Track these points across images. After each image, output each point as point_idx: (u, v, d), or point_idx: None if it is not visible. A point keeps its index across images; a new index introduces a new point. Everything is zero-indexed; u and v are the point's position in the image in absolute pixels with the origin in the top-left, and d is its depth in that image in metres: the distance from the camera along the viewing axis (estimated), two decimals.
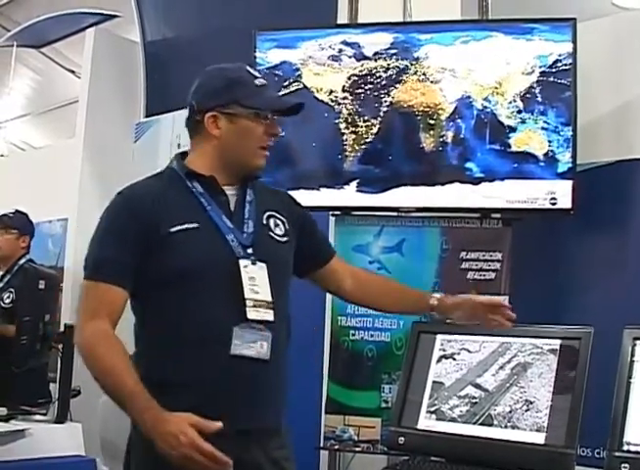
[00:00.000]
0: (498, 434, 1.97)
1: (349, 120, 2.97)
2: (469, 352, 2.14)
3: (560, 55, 2.78)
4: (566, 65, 2.77)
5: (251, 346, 1.69)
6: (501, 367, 2.07)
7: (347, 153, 2.97)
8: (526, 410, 1.97)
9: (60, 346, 2.94)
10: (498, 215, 2.92)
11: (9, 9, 7.04)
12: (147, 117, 4.91)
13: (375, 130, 2.95)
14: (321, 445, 2.99)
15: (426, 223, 2.97)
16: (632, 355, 1.92)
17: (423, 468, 2.01)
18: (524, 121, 2.81)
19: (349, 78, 2.99)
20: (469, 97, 2.87)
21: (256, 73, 1.87)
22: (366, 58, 2.99)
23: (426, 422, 2.10)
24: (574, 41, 2.77)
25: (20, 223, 3.94)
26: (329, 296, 2.89)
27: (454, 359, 2.15)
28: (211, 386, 1.68)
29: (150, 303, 1.75)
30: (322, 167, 3.01)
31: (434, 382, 2.14)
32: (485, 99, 2.85)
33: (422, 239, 2.96)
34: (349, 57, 3.01)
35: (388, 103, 2.95)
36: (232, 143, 1.79)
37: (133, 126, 4.93)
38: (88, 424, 3.03)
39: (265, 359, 1.71)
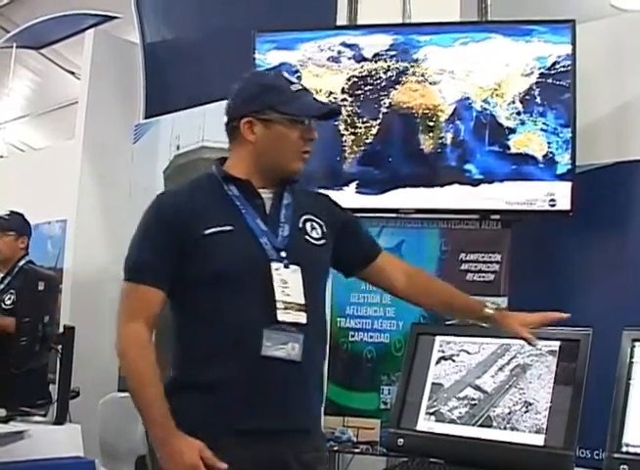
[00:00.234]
0: (497, 435, 1.97)
1: (349, 122, 2.97)
2: (468, 353, 2.14)
3: (559, 56, 2.78)
4: (565, 66, 2.78)
5: (282, 347, 1.71)
6: (500, 369, 2.07)
7: (347, 154, 2.98)
8: (526, 412, 1.97)
9: (59, 347, 2.95)
10: (497, 217, 2.92)
11: (8, 10, 7.05)
12: (146, 118, 4.91)
13: (374, 132, 2.96)
14: None
15: (425, 225, 2.97)
16: (631, 357, 1.92)
17: (422, 469, 2.01)
18: (523, 123, 2.81)
19: (349, 80, 2.99)
20: (468, 98, 2.88)
21: (293, 79, 1.89)
22: (365, 59, 2.99)
23: (425, 423, 2.10)
24: (574, 43, 2.77)
25: (17, 225, 3.93)
26: (328, 297, 2.88)
27: (453, 361, 2.15)
28: (242, 386, 1.70)
29: (185, 304, 1.79)
30: (321, 169, 3.01)
31: (433, 383, 2.15)
32: (485, 100, 2.86)
33: (421, 240, 2.96)
34: (349, 58, 3.02)
35: (387, 104, 2.95)
36: (268, 148, 1.81)
37: (132, 127, 4.93)
38: (87, 425, 3.03)
39: (296, 361, 1.73)
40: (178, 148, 4.64)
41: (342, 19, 3.54)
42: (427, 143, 2.91)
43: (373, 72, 2.98)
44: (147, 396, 1.68)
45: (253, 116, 1.80)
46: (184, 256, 1.74)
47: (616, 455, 1.82)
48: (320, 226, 1.88)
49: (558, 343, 2.02)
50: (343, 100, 2.98)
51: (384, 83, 2.96)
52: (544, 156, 2.80)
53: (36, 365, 3.07)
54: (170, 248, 1.74)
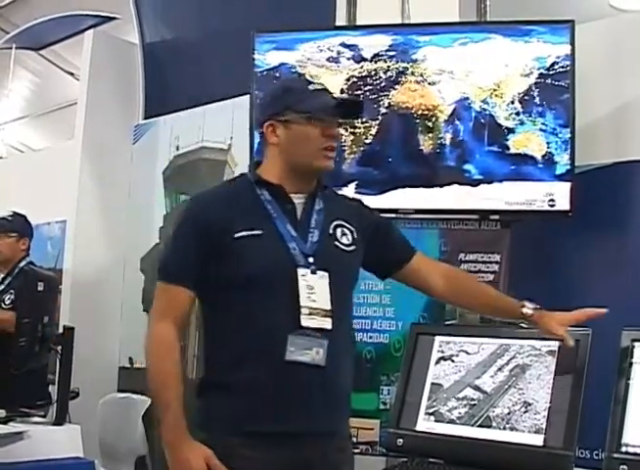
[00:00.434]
0: (497, 436, 1.97)
1: (348, 122, 2.97)
2: (467, 353, 2.14)
3: (558, 57, 2.78)
4: (564, 66, 2.78)
5: (307, 352, 1.74)
6: (500, 369, 2.07)
7: (346, 154, 2.97)
8: (525, 412, 1.97)
9: (59, 347, 2.95)
10: (497, 217, 2.92)
11: (8, 11, 7.04)
12: (146, 118, 4.91)
13: (373, 132, 2.96)
14: None
15: (424, 225, 2.97)
16: (630, 357, 1.92)
17: None
18: (522, 123, 2.82)
19: (348, 80, 2.99)
20: (467, 99, 2.88)
21: (313, 80, 1.95)
22: (364, 60, 2.99)
23: (424, 424, 2.10)
24: (572, 43, 2.77)
25: (19, 226, 3.94)
26: None
27: (453, 361, 2.15)
28: (268, 390, 1.74)
29: (217, 306, 1.82)
30: None
31: (432, 384, 2.15)
32: (484, 101, 2.86)
33: (420, 241, 2.94)
34: (348, 59, 3.02)
35: (386, 105, 2.95)
36: (290, 148, 1.84)
37: (132, 128, 4.93)
38: (87, 426, 3.04)
39: (321, 365, 1.75)
40: (178, 148, 4.64)
41: (341, 19, 3.54)
42: (426, 143, 2.92)
43: (372, 73, 2.98)
44: (166, 397, 1.73)
45: (274, 118, 1.84)
46: (215, 258, 1.77)
47: (615, 455, 1.82)
48: (351, 232, 1.91)
49: (557, 343, 2.01)
50: None
51: (383, 84, 2.96)
52: (543, 156, 2.80)
53: (36, 366, 3.07)
54: (201, 250, 1.78)
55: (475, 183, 2.86)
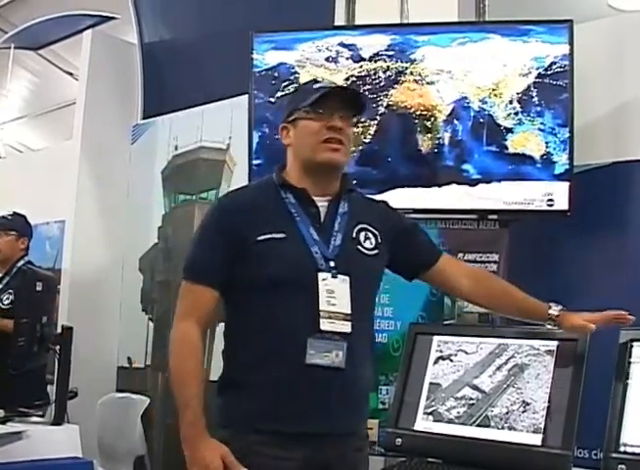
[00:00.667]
0: (495, 435, 1.97)
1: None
2: (466, 353, 2.15)
3: (556, 57, 2.78)
4: (562, 66, 2.78)
5: (326, 355, 1.76)
6: (498, 368, 2.07)
7: None
8: (523, 412, 1.97)
9: (57, 347, 2.95)
10: (495, 217, 2.92)
11: (6, 11, 7.04)
12: (144, 118, 4.91)
13: (372, 132, 2.96)
14: None
15: (423, 225, 2.96)
16: (629, 357, 1.92)
17: (420, 469, 2.01)
18: (520, 123, 2.81)
19: (347, 80, 2.99)
20: (466, 98, 2.88)
21: (322, 80, 1.99)
22: (363, 59, 2.99)
23: (423, 423, 2.10)
24: (571, 43, 2.77)
25: (18, 225, 3.95)
26: None
27: (451, 361, 2.15)
28: (287, 390, 1.75)
29: (240, 307, 1.84)
30: None
31: (430, 383, 2.15)
32: (482, 101, 2.86)
33: None
34: (347, 58, 3.02)
35: (385, 104, 2.95)
36: (298, 144, 1.88)
37: (130, 128, 4.93)
38: (85, 426, 3.03)
39: (341, 368, 1.77)
40: (176, 148, 4.64)
41: (339, 19, 3.54)
42: (425, 143, 2.92)
43: (371, 73, 2.98)
44: (186, 394, 1.74)
45: (286, 121, 1.90)
46: (239, 259, 1.79)
47: (613, 455, 1.82)
48: (375, 236, 1.92)
49: (556, 342, 2.02)
50: None
51: (382, 83, 2.96)
52: (542, 156, 2.80)
53: (34, 366, 3.07)
54: (225, 250, 1.80)
55: (473, 183, 2.86)
